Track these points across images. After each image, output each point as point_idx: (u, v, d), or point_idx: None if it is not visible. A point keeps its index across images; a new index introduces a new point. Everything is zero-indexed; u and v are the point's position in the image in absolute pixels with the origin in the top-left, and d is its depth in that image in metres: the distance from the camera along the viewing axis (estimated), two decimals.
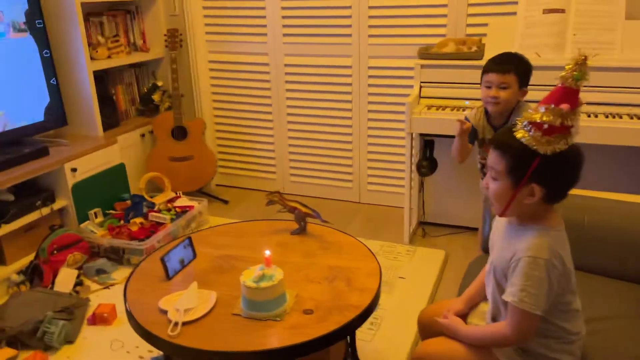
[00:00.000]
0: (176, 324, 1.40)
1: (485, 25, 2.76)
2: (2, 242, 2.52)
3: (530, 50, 2.62)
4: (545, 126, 1.12)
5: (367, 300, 1.49)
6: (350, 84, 3.27)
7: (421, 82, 2.79)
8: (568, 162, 1.17)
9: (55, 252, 2.56)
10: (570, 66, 1.12)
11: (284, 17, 3.29)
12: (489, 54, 2.67)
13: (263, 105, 3.54)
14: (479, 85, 2.68)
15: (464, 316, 1.50)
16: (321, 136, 3.45)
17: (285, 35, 3.33)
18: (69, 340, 2.15)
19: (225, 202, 3.53)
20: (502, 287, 1.28)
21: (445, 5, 2.92)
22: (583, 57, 1.11)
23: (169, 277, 1.64)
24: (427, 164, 2.86)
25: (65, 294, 2.38)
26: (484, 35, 2.75)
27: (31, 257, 2.58)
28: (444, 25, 2.97)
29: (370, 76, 3.21)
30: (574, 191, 1.96)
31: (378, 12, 3.08)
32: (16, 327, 2.09)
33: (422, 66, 2.76)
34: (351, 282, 1.59)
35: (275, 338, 1.36)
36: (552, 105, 1.12)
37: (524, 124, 1.17)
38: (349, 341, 1.82)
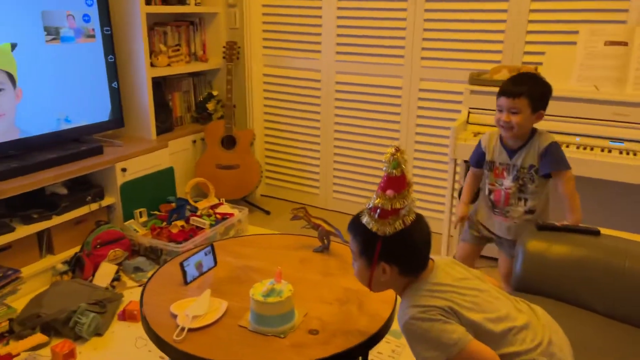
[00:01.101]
0: (182, 329, 1.42)
1: (543, 53, 2.66)
2: (52, 232, 2.68)
3: (588, 82, 2.50)
4: (379, 210, 1.22)
5: (375, 328, 1.45)
6: (399, 105, 3.24)
7: (470, 108, 2.72)
8: (407, 239, 1.24)
9: (98, 246, 2.69)
10: (387, 156, 1.23)
11: (338, 35, 3.32)
12: None
13: (312, 121, 3.57)
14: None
15: None
16: (366, 155, 3.44)
17: (338, 53, 3.36)
18: (98, 333, 2.24)
19: (267, 212, 3.58)
20: None
21: (502, 31, 2.85)
22: (395, 148, 1.22)
23: (186, 282, 1.68)
24: None
25: (102, 288, 2.49)
26: (541, 64, 2.65)
27: (77, 249, 2.72)
28: (499, 52, 2.89)
29: (420, 98, 3.17)
30: (615, 232, 1.85)
31: (433, 35, 3.04)
32: (51, 314, 2.21)
33: (472, 92, 2.69)
34: (363, 307, 1.56)
35: (275, 355, 1.35)
36: (380, 192, 1.23)
37: (367, 208, 1.26)
38: None
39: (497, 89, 2.61)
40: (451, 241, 2.88)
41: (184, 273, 1.67)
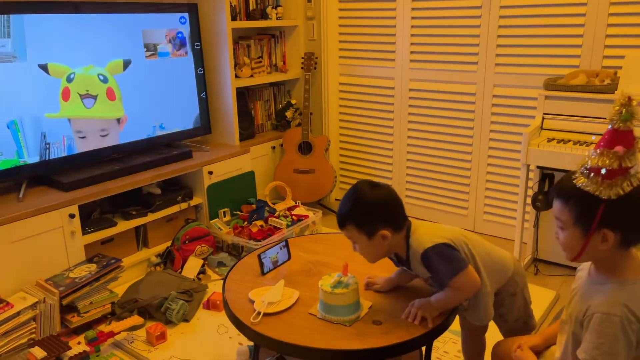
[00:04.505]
0: (259, 313, 1.59)
1: (623, 57, 2.59)
2: (148, 228, 2.98)
3: None
4: (604, 170, 1.10)
5: (436, 322, 1.53)
6: (472, 111, 3.27)
7: (544, 114, 2.71)
8: (636, 202, 1.12)
9: (187, 242, 2.96)
10: (616, 108, 1.10)
11: (412, 43, 3.41)
12: (624, 88, 2.51)
13: (385, 127, 3.68)
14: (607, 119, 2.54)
15: (538, 353, 1.48)
16: (439, 161, 3.48)
17: (412, 61, 3.44)
18: (186, 319, 2.48)
19: None
20: (578, 339, 1.24)
21: (580, 36, 2.80)
22: (627, 97, 1.10)
23: (263, 273, 1.84)
24: (542, 197, 2.74)
25: (189, 279, 2.74)
26: (620, 68, 2.59)
27: (168, 244, 3.01)
28: (577, 56, 2.84)
29: (494, 104, 3.17)
30: None
31: (507, 41, 3.05)
32: (146, 300, 2.48)
33: (547, 97, 2.68)
34: None
35: (340, 341, 1.47)
36: (606, 149, 1.12)
37: (582, 170, 1.15)
38: (423, 356, 1.86)
39: (573, 94, 2.62)
40: (524, 248, 2.86)
41: (261, 265, 1.84)
